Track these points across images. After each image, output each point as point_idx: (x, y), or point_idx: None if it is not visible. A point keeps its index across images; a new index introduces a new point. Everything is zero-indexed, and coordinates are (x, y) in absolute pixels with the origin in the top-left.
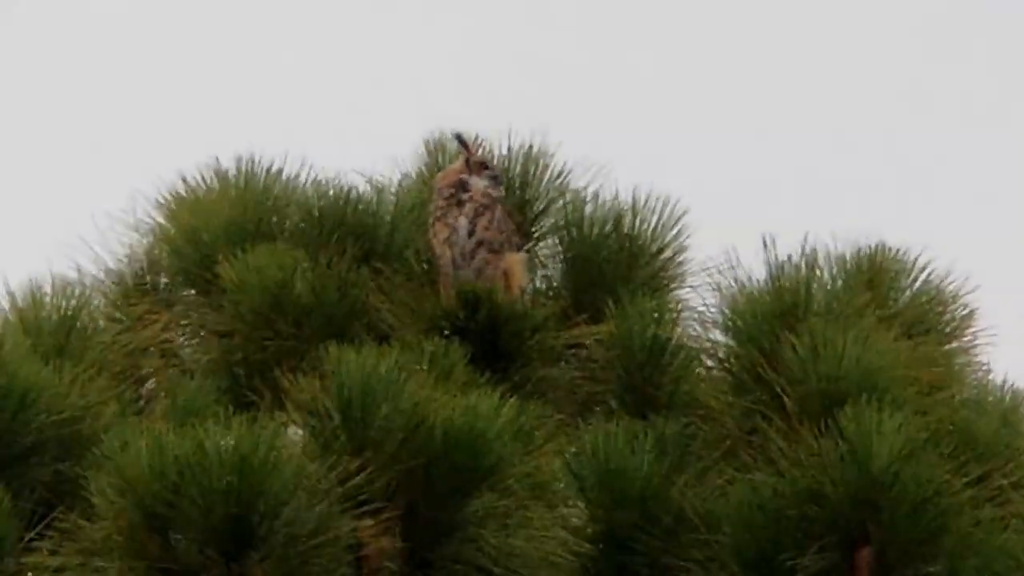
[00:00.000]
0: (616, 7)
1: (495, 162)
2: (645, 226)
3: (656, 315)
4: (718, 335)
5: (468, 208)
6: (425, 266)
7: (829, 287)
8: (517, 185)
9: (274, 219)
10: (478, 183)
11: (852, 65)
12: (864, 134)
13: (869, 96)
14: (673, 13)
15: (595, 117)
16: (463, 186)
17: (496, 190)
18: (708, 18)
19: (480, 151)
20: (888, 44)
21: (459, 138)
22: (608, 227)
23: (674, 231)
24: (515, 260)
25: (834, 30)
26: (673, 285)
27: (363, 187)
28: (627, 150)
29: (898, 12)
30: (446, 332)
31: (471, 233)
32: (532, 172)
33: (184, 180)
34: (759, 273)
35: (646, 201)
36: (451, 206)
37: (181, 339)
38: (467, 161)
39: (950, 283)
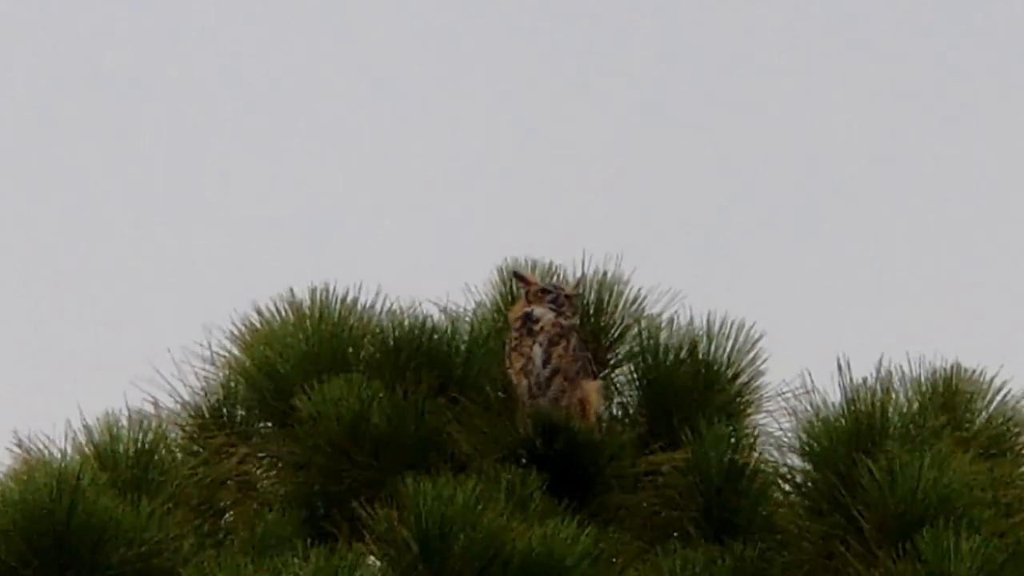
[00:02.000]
0: (682, 128)
1: (562, 282)
2: (720, 351)
3: (732, 440)
4: (794, 459)
5: (542, 337)
6: (501, 395)
7: (905, 409)
8: (592, 312)
9: (349, 349)
10: (544, 313)
11: (931, 178)
12: (937, 246)
13: (942, 208)
14: (746, 132)
15: (668, 241)
16: (529, 318)
17: (564, 315)
18: (780, 136)
19: (541, 279)
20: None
21: (516, 274)
22: (683, 353)
23: (749, 356)
24: (591, 388)
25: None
26: (749, 410)
27: (438, 316)
28: (700, 275)
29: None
30: (523, 460)
31: (546, 362)
32: (606, 299)
33: (259, 311)
34: (834, 396)
35: (721, 326)
36: (524, 337)
37: (258, 471)
38: (527, 294)
39: None
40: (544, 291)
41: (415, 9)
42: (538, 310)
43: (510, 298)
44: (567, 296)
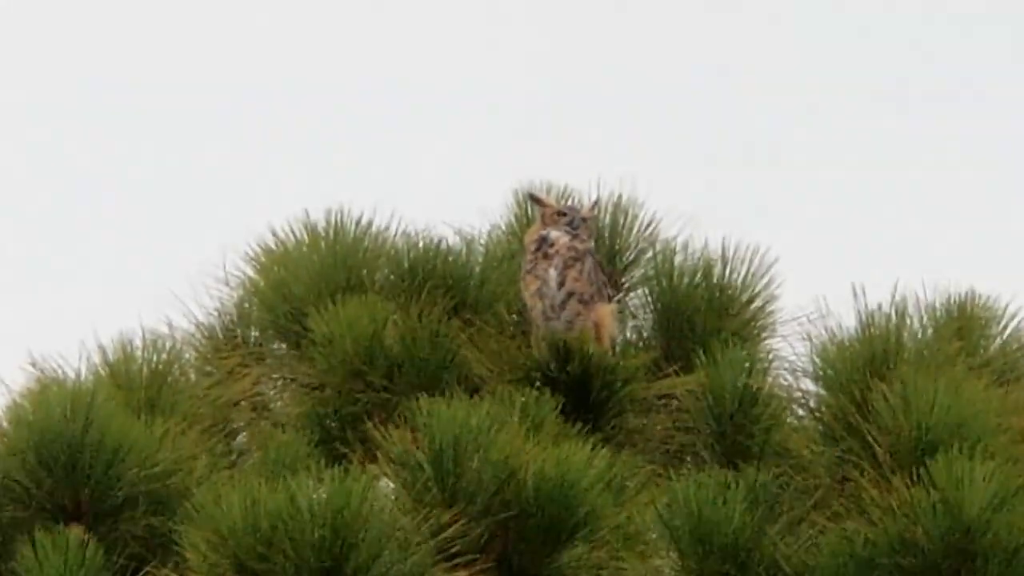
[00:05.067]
0: (699, 51)
1: (578, 204)
2: (735, 276)
3: (747, 365)
4: (809, 384)
5: (557, 260)
6: (516, 317)
7: (919, 336)
8: (607, 236)
9: (364, 272)
10: (560, 236)
11: (949, 105)
12: (954, 177)
13: (956, 142)
14: (759, 61)
15: (684, 165)
16: (545, 241)
17: (580, 239)
18: (800, 65)
19: (557, 201)
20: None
21: (531, 196)
22: (698, 277)
23: (764, 281)
24: (605, 311)
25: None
26: (763, 335)
27: (453, 239)
28: (717, 199)
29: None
30: (537, 384)
31: (561, 284)
32: (621, 223)
33: (274, 234)
34: (849, 322)
35: (736, 251)
36: (539, 259)
37: (272, 392)
38: (542, 216)
39: None
40: (560, 213)
41: None
42: (553, 233)
43: (525, 220)
44: (583, 218)
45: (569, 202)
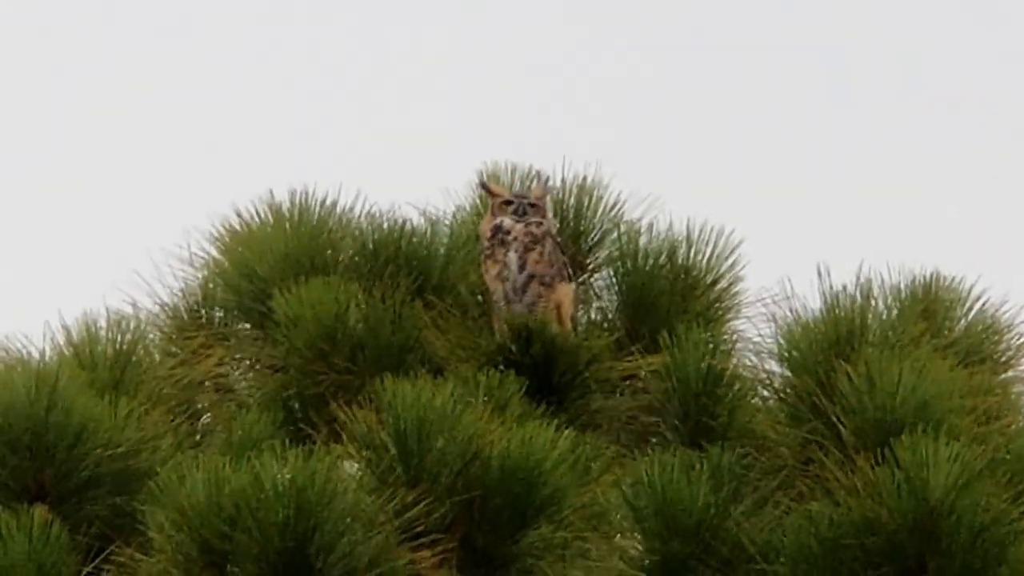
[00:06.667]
0: (669, 35)
1: (526, 189)
2: (699, 257)
3: (711, 346)
4: (773, 365)
5: (516, 245)
6: (479, 299)
7: (884, 317)
8: (571, 217)
9: (328, 253)
10: (513, 223)
11: (911, 89)
12: (919, 161)
13: (924, 122)
14: (728, 41)
15: (648, 147)
16: (500, 229)
17: (533, 224)
18: (770, 49)
19: (509, 189)
20: (951, 63)
21: (482, 185)
22: (662, 258)
23: (728, 262)
24: (565, 291)
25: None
26: (728, 316)
27: (417, 220)
28: (680, 180)
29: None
30: (501, 365)
31: (522, 268)
32: (586, 204)
33: (238, 214)
34: (814, 303)
35: (700, 232)
36: (496, 246)
37: (236, 373)
38: (492, 206)
39: (1005, 312)
40: (507, 203)
41: None
42: (507, 221)
43: (489, 202)
44: (531, 204)
45: (519, 188)
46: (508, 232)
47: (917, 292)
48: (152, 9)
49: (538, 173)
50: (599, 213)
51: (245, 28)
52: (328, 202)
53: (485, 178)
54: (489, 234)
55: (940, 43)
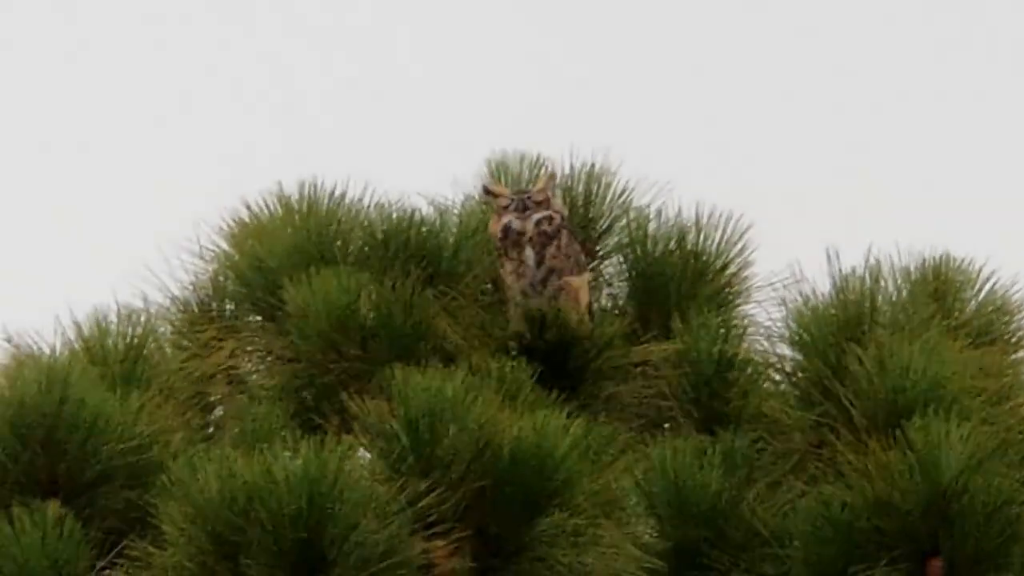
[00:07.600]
0: (675, 24)
1: (528, 187)
2: (709, 242)
3: (722, 331)
4: (784, 349)
5: (532, 243)
6: (490, 286)
7: (894, 299)
8: (580, 205)
9: (338, 243)
10: (520, 222)
11: (918, 72)
12: (925, 141)
13: (931, 104)
14: (734, 29)
15: (657, 132)
16: (510, 230)
17: (543, 222)
18: (779, 30)
19: (511, 188)
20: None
21: (485, 189)
22: (672, 244)
23: (738, 246)
24: (579, 282)
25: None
26: (738, 300)
27: (426, 209)
28: (690, 165)
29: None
30: (513, 352)
31: (540, 263)
32: (595, 191)
33: (248, 207)
34: (824, 286)
35: (710, 217)
36: (509, 247)
37: (248, 365)
38: (496, 208)
39: (1016, 292)
40: (506, 207)
41: None
42: (515, 221)
43: (494, 204)
44: (534, 200)
45: (519, 186)
46: (520, 232)
47: (927, 273)
48: None
49: (543, 166)
50: (608, 200)
51: (258, 19)
52: (337, 193)
53: (487, 181)
54: (500, 235)
55: (950, 27)
